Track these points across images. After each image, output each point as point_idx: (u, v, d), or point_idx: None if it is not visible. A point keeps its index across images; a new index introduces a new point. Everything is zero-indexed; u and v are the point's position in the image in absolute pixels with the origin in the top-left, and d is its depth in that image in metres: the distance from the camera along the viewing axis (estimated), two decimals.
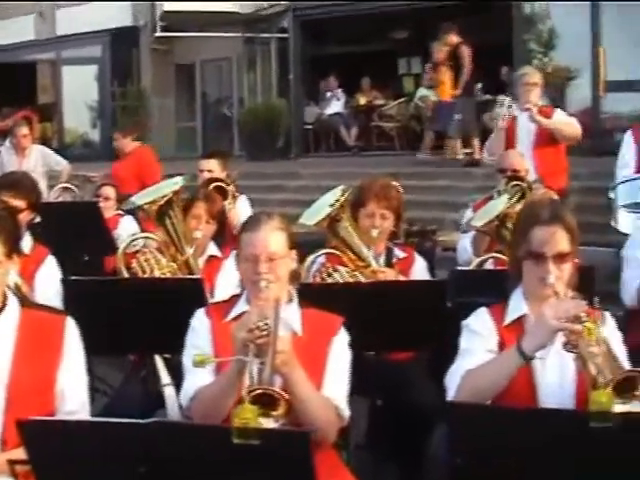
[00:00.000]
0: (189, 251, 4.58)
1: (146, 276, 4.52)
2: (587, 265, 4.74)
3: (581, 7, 13.06)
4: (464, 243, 5.27)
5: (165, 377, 4.12)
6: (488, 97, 12.40)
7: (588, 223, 7.77)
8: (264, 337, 2.84)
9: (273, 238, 3.18)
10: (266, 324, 2.86)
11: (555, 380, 3.02)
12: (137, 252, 4.68)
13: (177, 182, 4.71)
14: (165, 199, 4.59)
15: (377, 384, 4.36)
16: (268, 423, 2.65)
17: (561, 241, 3.09)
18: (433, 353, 4.33)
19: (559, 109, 7.68)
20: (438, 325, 3.83)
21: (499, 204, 4.63)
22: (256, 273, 3.13)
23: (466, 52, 11.87)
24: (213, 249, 4.88)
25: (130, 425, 2.31)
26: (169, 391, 4.05)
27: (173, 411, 3.93)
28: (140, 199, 4.79)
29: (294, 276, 3.34)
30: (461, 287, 4.07)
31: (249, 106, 16.25)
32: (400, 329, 3.96)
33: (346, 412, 3.16)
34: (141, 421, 2.29)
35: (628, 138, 6.93)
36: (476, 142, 11.86)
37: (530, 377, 3.03)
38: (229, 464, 2.26)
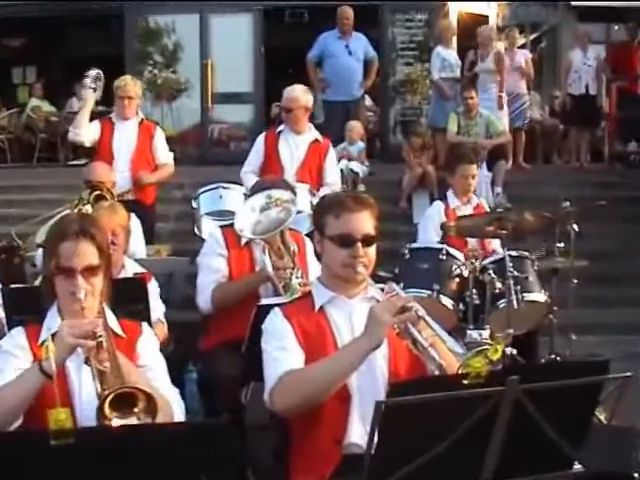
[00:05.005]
0: None
1: None
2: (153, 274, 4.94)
3: (192, 20, 13.41)
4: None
5: None
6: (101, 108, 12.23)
7: (188, 232, 8.04)
8: None
9: None
10: None
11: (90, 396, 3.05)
12: None
13: None
14: None
15: None
16: None
17: (88, 256, 3.09)
18: None
19: (159, 128, 7.87)
20: None
21: None
22: None
23: None
24: None
25: None
26: None
27: None
28: None
29: None
30: (19, 304, 3.99)
31: None
32: None
33: None
34: None
35: (259, 141, 7.23)
36: None
37: (67, 393, 3.01)
38: None
